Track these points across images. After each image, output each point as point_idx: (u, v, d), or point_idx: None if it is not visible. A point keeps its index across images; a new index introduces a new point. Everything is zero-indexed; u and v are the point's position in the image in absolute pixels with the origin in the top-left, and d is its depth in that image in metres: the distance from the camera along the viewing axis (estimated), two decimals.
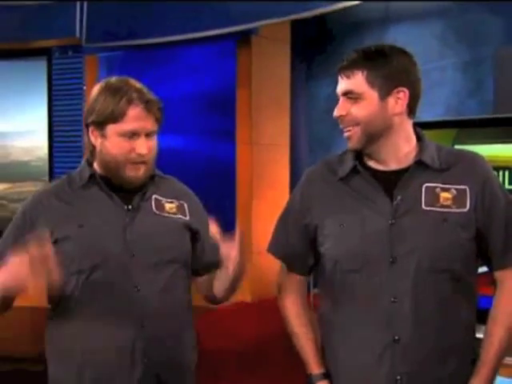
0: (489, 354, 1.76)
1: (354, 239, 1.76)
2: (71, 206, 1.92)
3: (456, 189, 1.76)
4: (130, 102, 1.86)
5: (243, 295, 3.71)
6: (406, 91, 1.75)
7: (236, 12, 3.68)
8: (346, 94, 1.77)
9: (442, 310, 1.74)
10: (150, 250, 1.90)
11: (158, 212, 1.94)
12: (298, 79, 4.09)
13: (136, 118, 1.87)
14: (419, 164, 1.78)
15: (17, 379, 3.78)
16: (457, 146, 2.56)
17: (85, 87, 4.15)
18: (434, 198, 1.75)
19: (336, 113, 1.78)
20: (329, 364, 1.84)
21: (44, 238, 1.77)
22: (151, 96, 1.91)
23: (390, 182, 1.77)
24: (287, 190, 3.88)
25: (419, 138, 1.82)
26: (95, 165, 1.97)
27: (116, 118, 1.85)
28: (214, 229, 1.86)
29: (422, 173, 1.77)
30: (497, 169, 2.50)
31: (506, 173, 2.51)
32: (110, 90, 1.90)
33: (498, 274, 1.81)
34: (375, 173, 1.79)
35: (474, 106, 3.49)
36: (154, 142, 1.92)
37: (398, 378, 1.72)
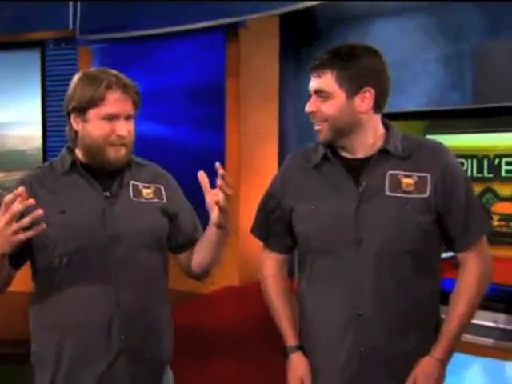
0: (449, 327, 1.88)
1: (322, 221, 1.88)
2: (53, 193, 2.04)
3: (418, 176, 1.86)
4: (109, 86, 1.97)
5: (231, 279, 3.82)
6: (373, 91, 1.85)
7: (224, 5, 3.77)
8: (317, 92, 1.88)
9: (403, 289, 1.85)
10: (128, 234, 2.00)
11: (135, 198, 2.05)
12: (286, 71, 4.17)
13: (115, 101, 1.98)
14: (384, 152, 1.89)
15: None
16: (428, 136, 2.69)
17: None
18: (396, 184, 1.87)
19: (307, 109, 1.90)
20: (303, 339, 1.96)
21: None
22: (128, 81, 2.04)
23: (357, 169, 1.89)
24: None
25: (387, 128, 1.93)
26: (77, 152, 2.06)
27: (96, 102, 1.98)
28: (204, 182, 1.94)
29: (386, 161, 1.88)
30: (465, 157, 2.63)
31: (474, 161, 2.64)
32: (88, 78, 2.04)
33: (460, 256, 1.92)
34: (344, 161, 1.91)
35: (455, 98, 3.60)
36: (132, 126, 2.05)
37: (362, 349, 1.84)
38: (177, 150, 4.04)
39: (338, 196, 1.88)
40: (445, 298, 1.97)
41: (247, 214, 3.76)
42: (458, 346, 1.91)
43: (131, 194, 2.06)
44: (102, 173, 2.06)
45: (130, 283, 2.01)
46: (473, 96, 3.16)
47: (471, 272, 1.90)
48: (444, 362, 1.87)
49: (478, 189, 2.59)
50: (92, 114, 1.98)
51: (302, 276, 1.97)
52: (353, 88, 1.85)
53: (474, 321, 2.11)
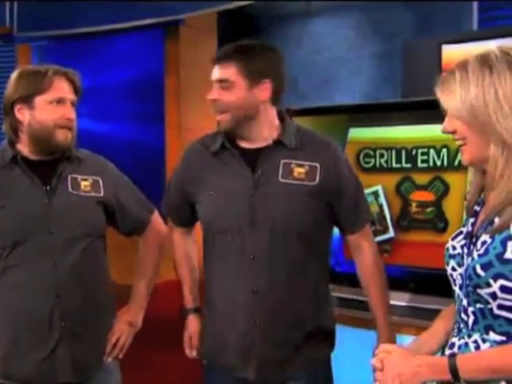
0: (380, 316, 2.12)
1: (222, 206, 2.06)
2: None
3: (309, 165, 2.05)
4: (55, 73, 2.10)
5: (169, 274, 3.85)
6: (271, 84, 2.04)
7: (163, 3, 3.83)
8: (220, 81, 2.03)
9: (293, 267, 2.04)
10: (66, 226, 2.10)
11: (73, 191, 2.14)
12: None
13: (61, 86, 2.11)
14: (278, 143, 2.07)
15: None
16: (351, 129, 2.86)
17: None
18: (289, 171, 2.04)
19: (209, 97, 2.05)
20: (207, 308, 2.16)
21: None
22: (71, 70, 2.16)
23: (253, 157, 2.06)
24: None
25: (282, 121, 2.11)
26: (19, 145, 2.14)
27: (44, 88, 2.08)
28: None
29: (281, 151, 2.06)
30: (385, 149, 2.79)
31: (393, 152, 2.79)
32: (29, 72, 2.14)
33: (352, 238, 2.16)
34: (241, 149, 2.08)
35: (387, 93, 3.73)
36: (75, 113, 2.15)
37: (257, 321, 2.02)
38: (118, 146, 4.07)
39: (235, 182, 2.05)
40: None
41: None
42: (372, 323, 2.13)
43: (70, 188, 2.12)
44: (42, 167, 2.11)
45: (68, 273, 2.09)
46: (402, 92, 3.30)
47: (366, 254, 2.14)
48: (390, 340, 2.09)
49: (397, 178, 2.76)
50: (39, 100, 2.09)
51: (205, 255, 2.15)
52: (253, 79, 2.02)
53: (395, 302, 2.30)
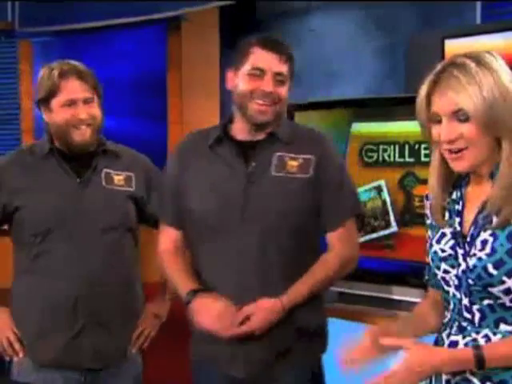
0: (303, 282, 2.02)
1: (214, 199, 2.03)
2: (30, 177, 2.19)
3: (303, 158, 2.04)
4: (61, 75, 2.15)
5: None
6: None
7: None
8: (278, 74, 2.02)
9: (284, 264, 2.01)
10: (97, 218, 2.17)
11: (106, 185, 2.21)
12: (226, 62, 4.21)
13: (70, 87, 2.15)
14: (272, 136, 2.06)
15: None
16: (354, 124, 2.86)
17: (19, 72, 4.11)
18: (282, 165, 2.03)
19: (268, 88, 2.02)
20: None
21: None
22: (82, 67, 2.17)
23: (248, 150, 2.05)
24: None
25: None
26: (55, 140, 2.23)
27: (54, 91, 2.15)
28: None
29: (275, 144, 2.05)
30: (388, 144, 2.78)
31: (397, 147, 2.78)
32: (47, 70, 2.16)
33: (328, 236, 2.09)
34: (237, 142, 2.07)
35: (390, 88, 3.73)
36: (95, 109, 2.20)
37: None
38: (120, 142, 4.05)
39: (229, 176, 2.03)
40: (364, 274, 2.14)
41: None
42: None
43: (103, 182, 2.20)
44: (79, 161, 2.19)
45: (97, 263, 2.15)
46: (405, 86, 3.30)
47: (335, 252, 2.07)
48: (284, 309, 1.98)
49: (400, 173, 2.75)
50: (54, 103, 2.18)
51: (194, 251, 2.10)
52: (292, 77, 2.08)
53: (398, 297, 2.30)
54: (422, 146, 2.67)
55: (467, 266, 1.51)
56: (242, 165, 2.04)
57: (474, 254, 1.50)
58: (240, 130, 2.09)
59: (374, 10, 3.74)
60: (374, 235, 2.82)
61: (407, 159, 2.75)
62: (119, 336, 2.22)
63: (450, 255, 1.55)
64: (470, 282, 1.51)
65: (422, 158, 2.69)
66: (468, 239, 1.53)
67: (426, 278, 1.72)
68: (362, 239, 2.86)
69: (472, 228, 1.52)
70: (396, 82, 3.67)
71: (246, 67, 2.03)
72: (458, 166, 1.50)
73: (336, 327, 2.19)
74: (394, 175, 2.79)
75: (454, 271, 1.54)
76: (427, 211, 1.68)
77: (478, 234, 1.51)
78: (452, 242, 1.56)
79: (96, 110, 2.20)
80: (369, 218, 2.80)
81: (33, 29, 4.17)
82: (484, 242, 1.49)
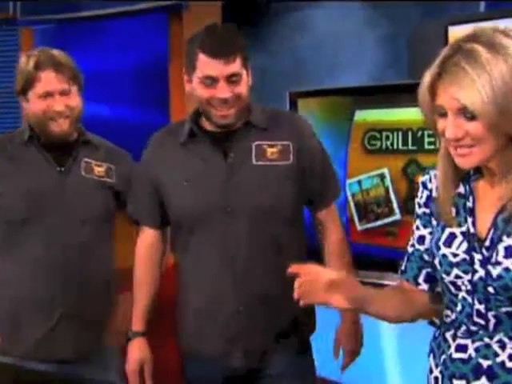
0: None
1: (195, 196, 1.99)
2: (11, 164, 2.15)
3: (281, 144, 2.00)
4: (37, 66, 2.12)
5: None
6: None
7: None
8: (231, 76, 1.94)
9: (274, 252, 1.99)
10: (75, 207, 2.15)
11: (85, 174, 2.18)
12: None
13: (46, 79, 2.11)
14: (248, 124, 2.01)
15: None
16: (357, 111, 2.84)
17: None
18: (262, 153, 1.99)
19: (222, 95, 1.93)
20: (183, 305, 2.08)
21: None
22: (61, 57, 2.13)
23: (224, 141, 2.01)
24: None
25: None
26: (35, 129, 2.19)
27: (30, 83, 2.12)
28: None
29: (251, 132, 2.01)
30: (391, 131, 2.77)
31: (400, 134, 2.77)
32: (25, 60, 2.13)
33: (320, 216, 2.11)
34: (211, 134, 2.02)
35: (393, 75, 3.71)
36: (72, 99, 2.14)
37: (241, 309, 1.99)
38: (121, 130, 4.03)
39: (207, 169, 1.99)
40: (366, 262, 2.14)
41: None
42: None
43: (82, 171, 2.16)
44: (60, 150, 2.17)
45: (74, 253, 2.12)
46: (408, 73, 3.28)
47: (332, 231, 2.10)
48: (357, 321, 2.08)
49: (403, 160, 2.74)
50: (31, 94, 2.13)
51: (179, 248, 2.06)
52: (247, 65, 2.00)
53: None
54: (426, 133, 2.66)
55: (488, 274, 1.38)
56: (220, 157, 1.99)
57: (498, 263, 1.37)
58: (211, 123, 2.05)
59: None
60: (378, 223, 2.82)
61: (410, 147, 2.74)
62: (95, 327, 2.19)
63: (463, 260, 1.42)
64: (491, 290, 1.39)
65: (426, 146, 2.68)
66: (487, 243, 1.39)
67: (402, 269, 1.59)
68: (365, 226, 2.86)
69: (491, 231, 1.39)
70: (399, 71, 3.66)
71: (198, 74, 1.95)
72: (464, 163, 1.37)
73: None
74: (397, 163, 2.78)
75: (467, 277, 1.41)
76: (421, 200, 1.56)
77: (500, 239, 1.37)
78: (466, 245, 1.42)
79: (73, 101, 2.14)
80: (372, 206, 2.80)
81: (34, 17, 4.16)
82: (507, 249, 1.36)
